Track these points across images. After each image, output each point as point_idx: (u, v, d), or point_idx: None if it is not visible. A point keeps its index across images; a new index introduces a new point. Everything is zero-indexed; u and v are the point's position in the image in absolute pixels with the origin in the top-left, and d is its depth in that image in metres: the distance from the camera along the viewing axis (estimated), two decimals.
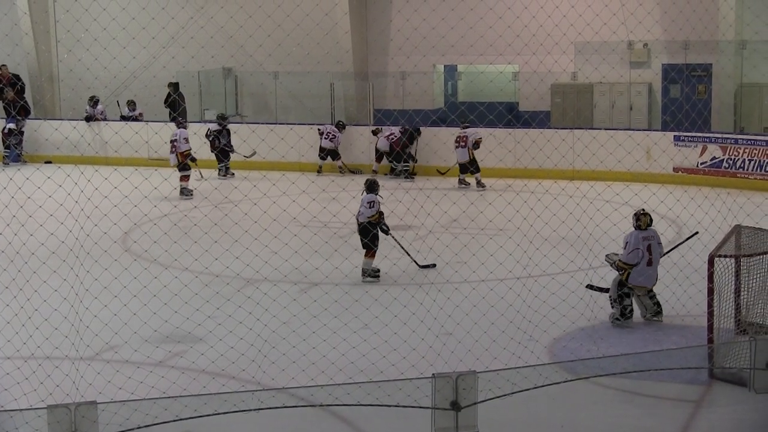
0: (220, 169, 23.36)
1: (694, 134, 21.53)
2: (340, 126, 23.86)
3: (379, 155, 23.24)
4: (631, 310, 12.13)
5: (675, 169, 21.50)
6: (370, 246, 14.17)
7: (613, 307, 12.20)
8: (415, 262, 14.68)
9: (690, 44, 24.40)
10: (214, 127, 23.56)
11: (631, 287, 12.08)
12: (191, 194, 20.73)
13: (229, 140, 23.41)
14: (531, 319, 11.56)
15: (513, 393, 7.80)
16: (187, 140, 21.35)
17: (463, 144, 21.39)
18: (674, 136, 21.60)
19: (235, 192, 16.50)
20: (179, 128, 21.63)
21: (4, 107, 26.81)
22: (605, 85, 24.95)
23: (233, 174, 23.26)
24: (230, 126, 23.72)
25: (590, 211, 13.33)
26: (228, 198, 16.12)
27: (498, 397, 7.60)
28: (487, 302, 12.31)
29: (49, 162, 23.53)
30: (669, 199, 14.60)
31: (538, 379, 8.06)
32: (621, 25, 21.14)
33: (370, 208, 14.18)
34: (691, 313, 12.03)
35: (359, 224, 14.30)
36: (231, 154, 23.36)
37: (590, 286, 12.64)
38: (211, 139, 23.34)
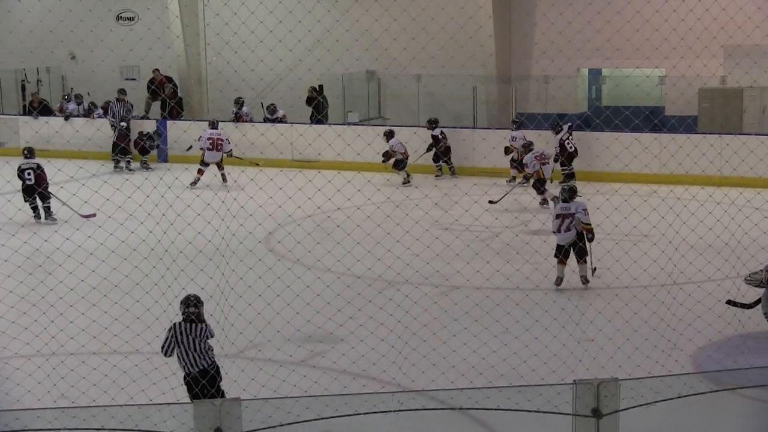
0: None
1: None
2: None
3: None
4: None
5: None
6: (587, 252, 14.04)
7: None
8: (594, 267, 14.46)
9: None
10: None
11: None
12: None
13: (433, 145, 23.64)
14: (675, 327, 11.35)
15: (656, 402, 7.66)
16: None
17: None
18: None
19: (378, 194, 16.67)
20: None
21: (161, 105, 27.62)
22: (756, 90, 24.29)
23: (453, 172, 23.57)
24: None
25: (738, 218, 13.00)
26: (370, 200, 16.27)
27: (640, 405, 7.46)
28: (630, 309, 12.13)
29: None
30: None
31: (682, 389, 7.87)
32: None
33: (587, 214, 13.97)
34: None
35: (577, 232, 13.96)
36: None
37: (731, 302, 12.28)
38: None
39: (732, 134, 22.16)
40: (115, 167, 24.94)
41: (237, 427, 6.43)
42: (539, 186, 19.80)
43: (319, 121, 25.83)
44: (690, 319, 11.58)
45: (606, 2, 23.90)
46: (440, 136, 23.43)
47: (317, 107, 26.37)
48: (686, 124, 23.57)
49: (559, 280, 13.95)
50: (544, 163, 19.83)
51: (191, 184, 21.46)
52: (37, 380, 10.09)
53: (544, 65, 26.74)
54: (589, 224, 13.90)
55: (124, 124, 25.52)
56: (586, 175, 22.45)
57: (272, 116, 26.15)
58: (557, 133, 22.16)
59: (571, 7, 23.06)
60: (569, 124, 22.46)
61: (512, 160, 22.26)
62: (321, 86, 27.29)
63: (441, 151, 23.43)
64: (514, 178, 22.33)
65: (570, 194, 14.08)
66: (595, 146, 21.98)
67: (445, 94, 27.07)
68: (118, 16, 31.47)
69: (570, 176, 21.75)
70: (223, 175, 22.47)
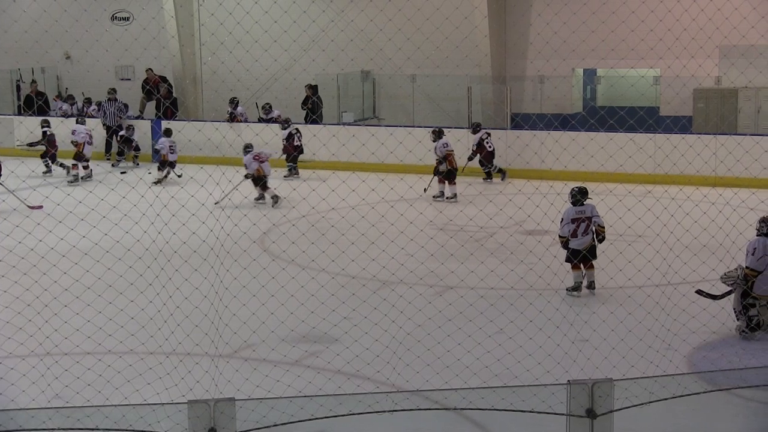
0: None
1: None
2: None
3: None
4: (759, 321, 11.83)
5: None
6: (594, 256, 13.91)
7: (738, 319, 11.92)
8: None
9: None
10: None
11: (756, 297, 11.80)
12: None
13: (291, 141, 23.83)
14: (670, 327, 11.35)
15: (650, 402, 7.66)
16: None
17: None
18: None
19: (372, 194, 16.58)
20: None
21: (155, 105, 27.63)
22: (751, 90, 24.32)
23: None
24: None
25: (733, 219, 13.01)
26: (365, 200, 16.22)
27: (635, 405, 7.46)
28: (625, 309, 12.13)
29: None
30: None
31: (677, 389, 7.88)
32: None
33: (599, 217, 13.87)
34: None
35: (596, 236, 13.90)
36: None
37: (700, 291, 12.31)
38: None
39: (727, 135, 22.19)
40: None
41: (231, 427, 6.43)
42: (257, 182, 20.30)
43: (314, 122, 25.82)
44: (684, 320, 11.60)
45: (601, 3, 23.91)
46: (285, 140, 23.73)
47: (312, 107, 26.36)
48: (681, 125, 23.61)
49: (579, 286, 13.69)
50: (262, 161, 20.48)
51: (71, 182, 22.38)
52: (31, 380, 10.07)
53: (539, 65, 26.75)
54: (604, 226, 13.85)
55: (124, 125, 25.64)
56: (581, 175, 22.43)
57: (267, 116, 26.14)
58: (475, 132, 22.97)
59: (567, 7, 23.07)
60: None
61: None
62: (316, 86, 27.29)
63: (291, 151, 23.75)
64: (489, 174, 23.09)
65: (581, 196, 13.91)
66: (590, 146, 21.93)
67: (441, 94, 27.09)
68: (113, 16, 31.44)
69: (490, 174, 22.92)
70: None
